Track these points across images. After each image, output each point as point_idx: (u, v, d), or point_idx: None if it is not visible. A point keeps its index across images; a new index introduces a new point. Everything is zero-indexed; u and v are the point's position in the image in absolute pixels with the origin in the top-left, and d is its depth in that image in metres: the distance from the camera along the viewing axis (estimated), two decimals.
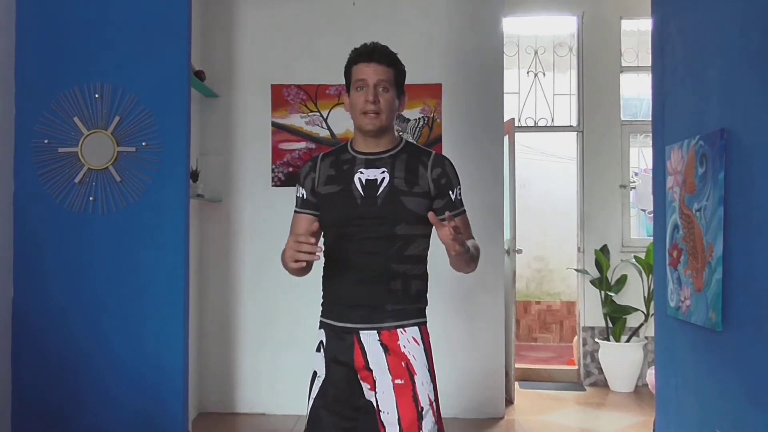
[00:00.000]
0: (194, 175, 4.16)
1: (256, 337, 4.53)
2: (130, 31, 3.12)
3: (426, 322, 2.03)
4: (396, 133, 2.08)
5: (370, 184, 1.96)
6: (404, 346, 1.94)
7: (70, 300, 3.06)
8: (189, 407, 3.39)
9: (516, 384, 5.06)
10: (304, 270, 1.93)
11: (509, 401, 4.77)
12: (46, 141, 3.08)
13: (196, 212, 4.43)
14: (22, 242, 3.06)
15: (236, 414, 4.51)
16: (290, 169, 4.52)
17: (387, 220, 1.93)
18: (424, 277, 2.04)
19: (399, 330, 1.95)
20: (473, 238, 2.06)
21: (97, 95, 3.09)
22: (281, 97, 4.56)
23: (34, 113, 3.08)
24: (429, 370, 1.96)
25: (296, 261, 1.79)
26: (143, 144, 3.09)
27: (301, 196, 2.08)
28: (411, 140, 2.18)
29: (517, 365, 5.20)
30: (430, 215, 1.77)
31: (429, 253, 2.07)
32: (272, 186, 4.52)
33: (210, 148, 4.58)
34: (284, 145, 4.54)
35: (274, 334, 4.51)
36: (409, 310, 1.97)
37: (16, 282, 3.05)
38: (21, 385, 3.03)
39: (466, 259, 1.89)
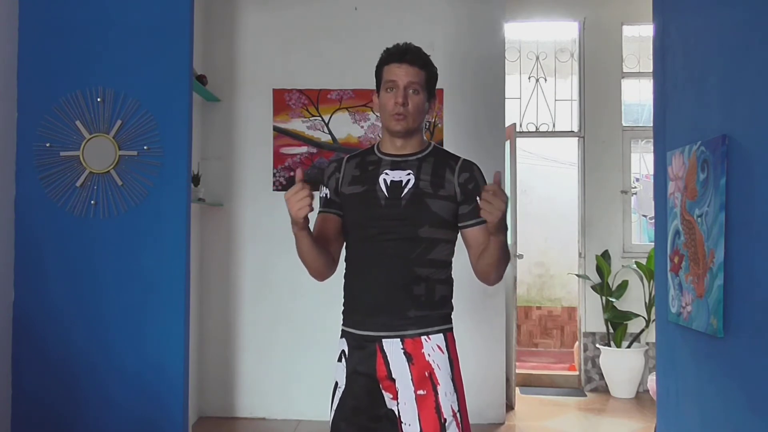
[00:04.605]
0: (195, 179, 4.17)
1: (257, 341, 4.52)
2: (132, 36, 3.13)
3: (452, 328, 1.97)
4: (424, 137, 2.04)
5: (395, 186, 1.92)
6: (428, 354, 1.88)
7: (70, 304, 3.06)
8: (189, 411, 3.38)
9: (517, 389, 5.04)
10: (326, 266, 1.96)
11: (510, 407, 4.76)
12: (47, 144, 3.08)
13: (197, 216, 4.44)
14: (23, 245, 3.06)
15: (237, 418, 4.50)
16: (291, 174, 4.52)
17: (410, 222, 1.89)
18: (448, 281, 1.98)
19: (423, 337, 1.89)
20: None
21: (99, 99, 3.10)
22: (283, 101, 4.57)
23: (36, 116, 3.08)
24: (453, 380, 1.90)
25: (300, 210, 1.79)
26: (145, 148, 3.09)
27: (324, 196, 2.03)
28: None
29: (517, 371, 5.18)
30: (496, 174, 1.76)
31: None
32: (273, 190, 4.52)
33: (211, 152, 4.58)
34: (285, 150, 4.55)
35: (275, 338, 4.51)
36: (433, 317, 1.92)
37: (16, 285, 3.05)
38: (21, 389, 3.03)
39: (499, 255, 1.84)
